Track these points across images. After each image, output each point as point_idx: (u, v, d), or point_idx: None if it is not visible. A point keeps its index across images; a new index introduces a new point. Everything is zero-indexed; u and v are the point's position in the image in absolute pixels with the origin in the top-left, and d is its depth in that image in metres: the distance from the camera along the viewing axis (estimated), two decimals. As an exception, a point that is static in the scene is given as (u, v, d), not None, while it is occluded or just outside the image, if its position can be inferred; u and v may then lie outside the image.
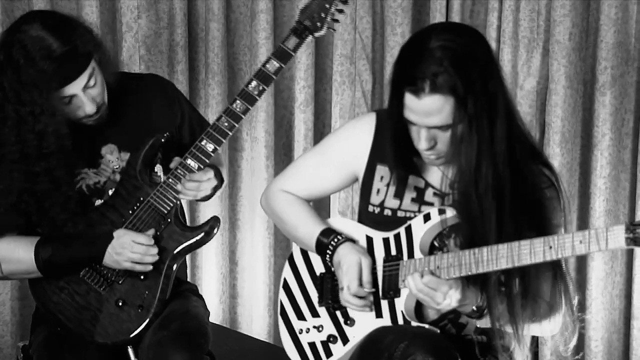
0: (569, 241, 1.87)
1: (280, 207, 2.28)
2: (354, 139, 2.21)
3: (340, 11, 2.34)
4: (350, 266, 2.10)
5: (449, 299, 1.98)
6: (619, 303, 3.25)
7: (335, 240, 2.15)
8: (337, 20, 2.36)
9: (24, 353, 2.42)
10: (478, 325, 2.09)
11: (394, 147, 2.08)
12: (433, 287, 1.98)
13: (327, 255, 2.15)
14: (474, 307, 2.03)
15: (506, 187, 1.98)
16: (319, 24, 2.33)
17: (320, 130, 3.58)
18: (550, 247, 1.89)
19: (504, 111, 1.98)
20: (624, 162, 3.19)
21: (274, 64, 2.32)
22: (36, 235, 2.31)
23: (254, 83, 2.32)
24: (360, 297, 2.10)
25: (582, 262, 3.24)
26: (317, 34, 2.34)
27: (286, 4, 3.47)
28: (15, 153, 2.22)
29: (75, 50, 2.20)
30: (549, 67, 3.17)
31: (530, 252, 1.91)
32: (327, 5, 2.31)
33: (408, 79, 1.93)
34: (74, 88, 2.22)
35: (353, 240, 2.16)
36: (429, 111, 1.93)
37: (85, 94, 2.24)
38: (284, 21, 3.47)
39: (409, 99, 1.94)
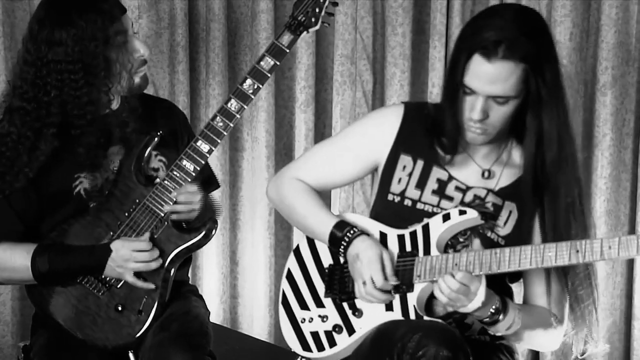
0: (597, 246, 1.87)
1: (293, 194, 2.25)
2: (379, 128, 2.19)
3: (335, 4, 2.30)
4: (371, 260, 2.07)
5: (479, 295, 1.97)
6: (620, 303, 3.25)
7: (351, 232, 2.12)
8: (331, 14, 2.31)
9: (24, 353, 2.41)
10: (494, 334, 2.08)
11: (451, 119, 2.05)
12: (466, 283, 1.96)
13: (342, 247, 2.13)
14: (492, 310, 2.02)
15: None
16: (313, 19, 2.27)
17: (321, 130, 3.58)
18: (577, 251, 1.89)
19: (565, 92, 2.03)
20: (624, 162, 3.19)
21: (268, 62, 2.27)
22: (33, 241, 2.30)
23: (248, 81, 2.28)
24: (383, 291, 2.07)
25: (583, 262, 3.24)
26: (311, 30, 2.29)
27: (287, 4, 3.46)
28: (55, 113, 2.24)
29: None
30: (550, 67, 3.17)
31: (555, 254, 1.91)
32: (322, 0, 2.27)
33: (481, 42, 1.94)
34: (127, 22, 2.26)
35: (367, 234, 2.13)
36: (496, 77, 1.94)
37: (135, 36, 2.29)
38: (285, 21, 3.43)
39: (478, 62, 1.94)
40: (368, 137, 2.20)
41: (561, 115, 2.01)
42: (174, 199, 2.27)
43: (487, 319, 2.03)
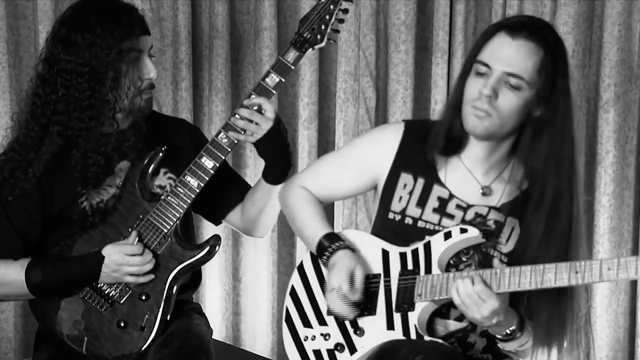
0: (596, 267, 1.88)
1: (295, 201, 2.27)
2: (378, 145, 2.20)
3: (341, 21, 2.29)
4: (341, 269, 2.08)
5: (494, 315, 1.97)
6: (624, 321, 3.24)
7: (335, 245, 2.13)
8: (337, 31, 2.31)
9: (27, 370, 2.42)
10: (502, 348, 2.09)
11: (450, 110, 2.09)
12: (483, 299, 1.96)
13: (325, 257, 2.14)
14: (508, 330, 2.03)
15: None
16: (319, 36, 2.28)
17: (324, 147, 3.58)
18: (577, 272, 1.89)
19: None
20: (627, 180, 3.19)
21: (273, 78, 2.28)
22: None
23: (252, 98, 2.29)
24: (346, 305, 2.07)
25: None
26: (317, 46, 2.29)
27: (290, 22, 3.48)
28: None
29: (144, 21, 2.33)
30: (553, 84, 3.17)
31: (555, 275, 1.91)
32: (328, 17, 2.26)
33: (508, 22, 2.03)
34: (145, 43, 2.28)
35: (353, 250, 2.14)
36: (515, 55, 1.99)
37: (150, 59, 2.30)
38: (288, 38, 3.44)
39: (501, 38, 2.00)
40: (368, 154, 2.21)
41: (566, 134, 2.03)
42: (179, 215, 2.27)
43: (501, 337, 2.04)
